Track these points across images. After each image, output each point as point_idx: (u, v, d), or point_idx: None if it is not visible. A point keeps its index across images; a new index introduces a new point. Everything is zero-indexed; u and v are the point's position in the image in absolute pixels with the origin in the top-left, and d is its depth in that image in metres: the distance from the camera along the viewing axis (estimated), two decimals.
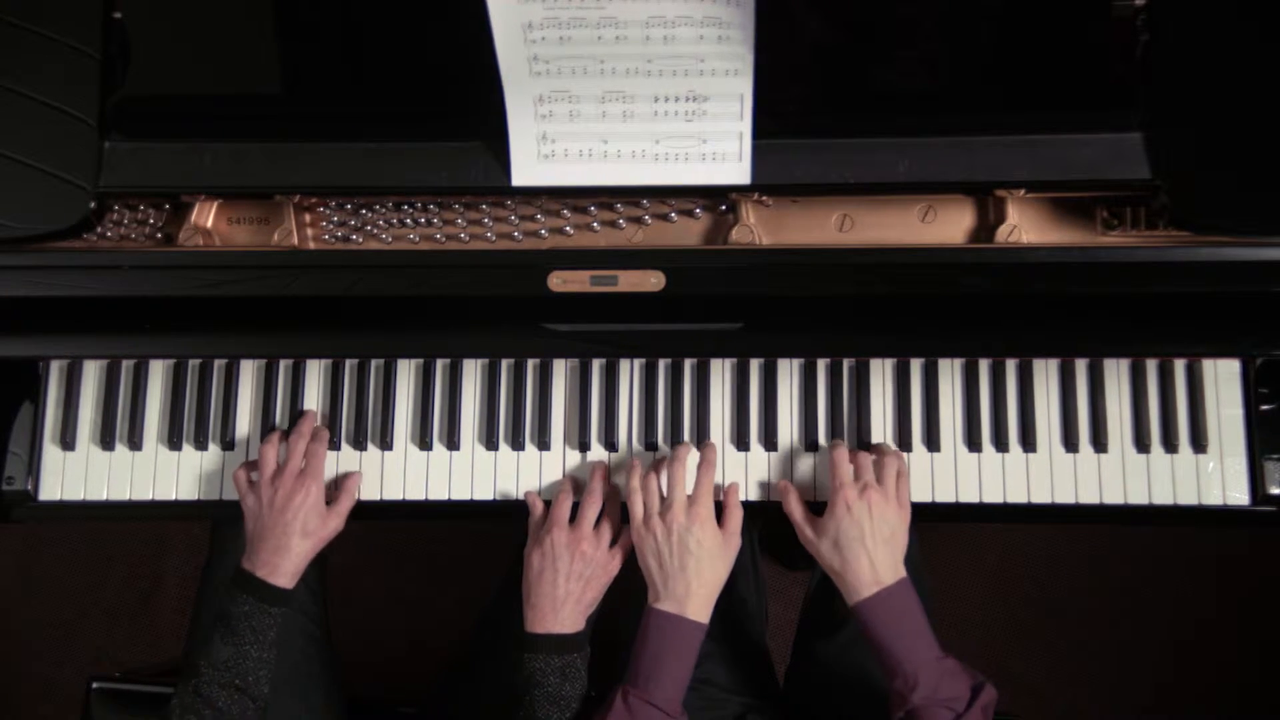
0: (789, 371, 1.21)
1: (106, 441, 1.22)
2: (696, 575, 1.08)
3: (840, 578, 1.08)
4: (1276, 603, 1.91)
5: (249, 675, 1.07)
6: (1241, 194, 1.04)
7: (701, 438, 1.19)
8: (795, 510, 1.13)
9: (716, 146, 1.05)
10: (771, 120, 1.03)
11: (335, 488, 1.19)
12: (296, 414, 1.21)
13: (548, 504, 1.16)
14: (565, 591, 1.09)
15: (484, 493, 1.20)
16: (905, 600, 1.06)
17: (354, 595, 1.89)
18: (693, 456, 1.16)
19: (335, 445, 1.20)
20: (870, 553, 1.06)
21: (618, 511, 1.16)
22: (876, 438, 1.19)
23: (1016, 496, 1.18)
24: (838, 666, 1.26)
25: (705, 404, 1.20)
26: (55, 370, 1.23)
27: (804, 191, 1.10)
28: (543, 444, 1.20)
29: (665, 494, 1.12)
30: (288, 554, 1.11)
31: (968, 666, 1.06)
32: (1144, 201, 1.07)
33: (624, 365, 1.21)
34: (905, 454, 1.18)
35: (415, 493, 1.20)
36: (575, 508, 1.15)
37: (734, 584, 1.27)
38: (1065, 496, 1.17)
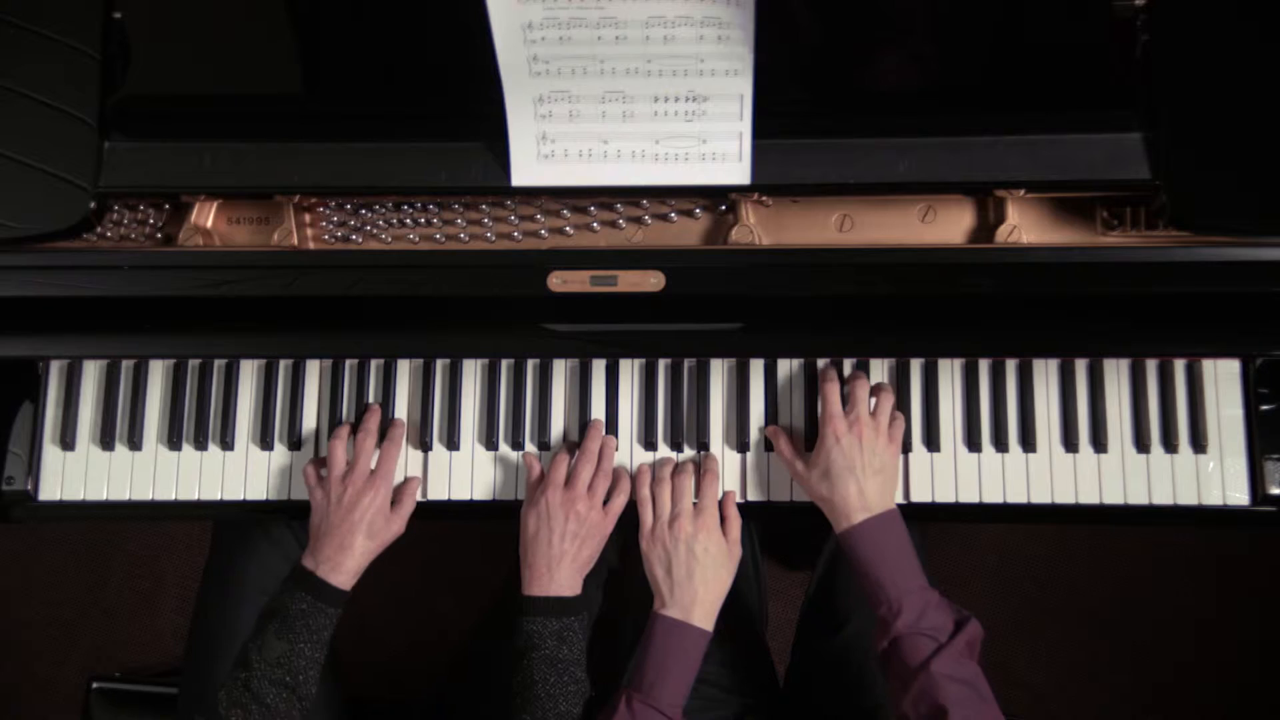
0: (789, 371, 1.21)
1: (106, 441, 1.22)
2: (703, 583, 1.09)
3: (829, 505, 1.09)
4: (1276, 603, 1.91)
5: (300, 674, 1.06)
6: (1241, 194, 1.04)
7: (701, 438, 1.19)
8: (785, 449, 1.14)
9: (716, 146, 1.04)
10: (771, 120, 1.03)
11: (397, 492, 1.18)
12: (362, 407, 1.20)
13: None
14: (560, 551, 1.10)
15: (484, 493, 1.20)
16: (892, 528, 1.07)
17: (354, 595, 1.88)
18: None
19: None
20: (860, 481, 1.08)
21: (610, 471, 1.16)
22: None
23: (1016, 496, 1.18)
24: (838, 666, 1.26)
25: (705, 404, 1.20)
26: (55, 370, 1.23)
27: (804, 191, 1.10)
28: (543, 444, 1.20)
29: (672, 504, 1.12)
30: (351, 553, 1.11)
31: (956, 604, 1.06)
32: (1144, 201, 1.07)
33: (624, 365, 1.21)
34: (905, 454, 1.18)
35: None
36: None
37: (734, 584, 1.27)
38: (1065, 496, 1.17)
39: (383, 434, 1.18)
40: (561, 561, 1.10)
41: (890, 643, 1.03)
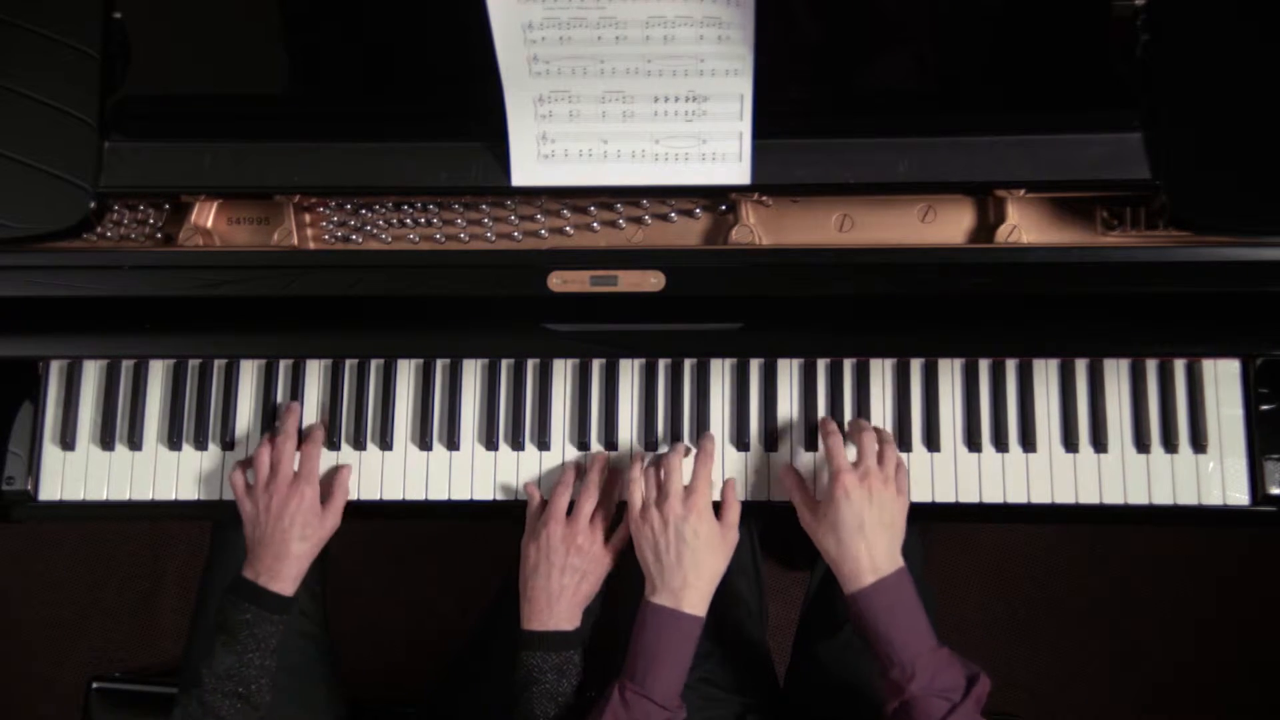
0: (789, 371, 1.21)
1: (106, 441, 1.22)
2: (694, 567, 1.07)
3: (837, 565, 1.08)
4: (1276, 603, 1.91)
5: (251, 684, 1.07)
6: (1241, 194, 1.04)
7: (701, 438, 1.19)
8: (795, 494, 1.13)
9: (716, 146, 1.04)
10: (771, 120, 1.03)
11: (327, 485, 1.17)
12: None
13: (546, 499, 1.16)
14: (560, 586, 1.10)
15: (484, 493, 1.20)
16: (902, 590, 1.06)
17: (354, 595, 1.89)
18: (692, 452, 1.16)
19: (335, 445, 1.20)
20: (869, 540, 1.05)
21: (613, 505, 1.16)
22: None
23: (1016, 496, 1.18)
24: (838, 666, 1.26)
25: (705, 404, 1.20)
26: (55, 370, 1.23)
27: (804, 191, 1.10)
28: (543, 444, 1.20)
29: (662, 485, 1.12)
30: (288, 559, 1.11)
31: (962, 657, 1.05)
32: (1144, 201, 1.07)
33: (624, 365, 1.21)
34: (905, 454, 1.18)
35: (415, 493, 1.20)
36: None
37: (734, 584, 1.26)
38: (1065, 496, 1.17)
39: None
40: (561, 596, 1.09)
41: (901, 704, 1.01)
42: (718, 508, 1.13)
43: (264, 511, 1.12)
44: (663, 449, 1.20)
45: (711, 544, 1.09)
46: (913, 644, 1.02)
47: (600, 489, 1.15)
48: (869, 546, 1.05)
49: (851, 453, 1.11)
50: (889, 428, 1.19)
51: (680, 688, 1.06)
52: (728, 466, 1.19)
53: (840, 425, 1.17)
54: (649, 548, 1.09)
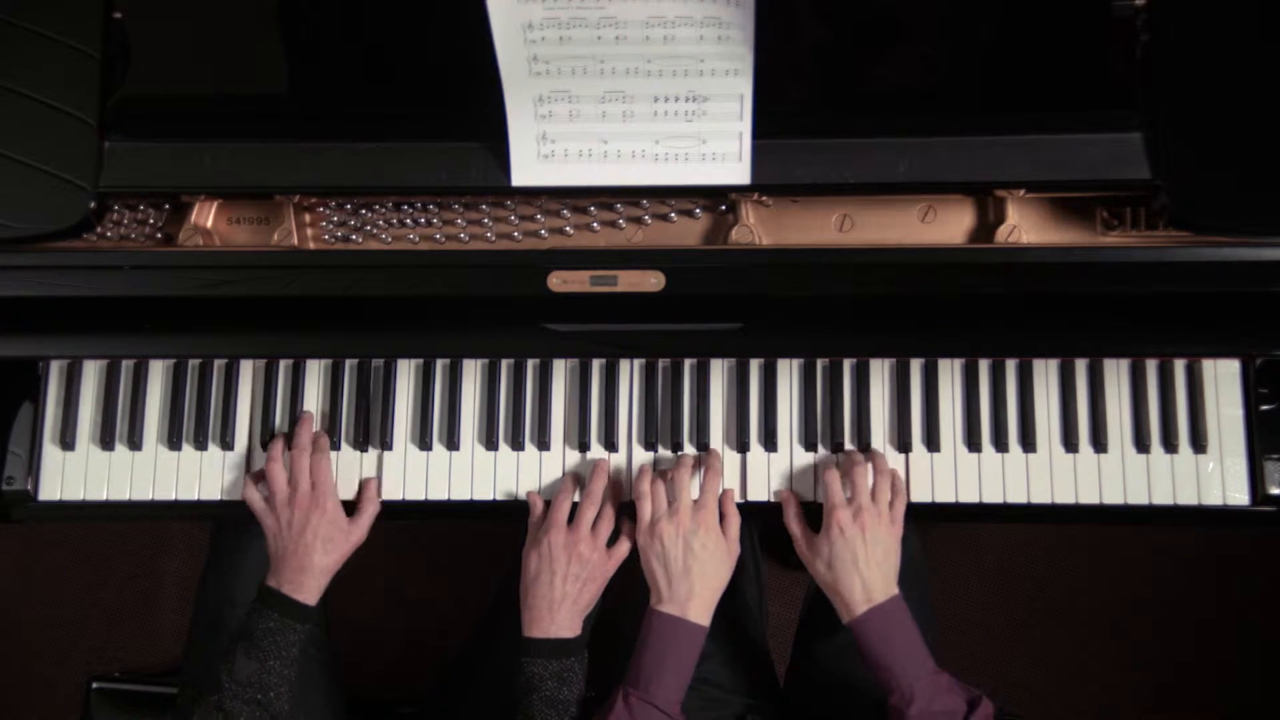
0: (789, 372, 1.21)
1: (106, 441, 1.22)
2: (700, 578, 1.09)
3: (833, 593, 1.10)
4: (1276, 603, 1.91)
5: (271, 691, 1.07)
6: (1241, 194, 1.04)
7: (701, 438, 1.19)
8: (794, 525, 1.15)
9: (716, 146, 1.04)
10: (771, 120, 1.03)
11: (355, 496, 1.18)
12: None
13: (548, 503, 1.16)
14: (562, 593, 1.10)
15: (484, 493, 1.20)
16: (898, 616, 1.07)
17: (354, 595, 1.88)
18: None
19: (335, 445, 1.20)
20: (863, 574, 1.07)
21: (614, 513, 1.16)
22: (876, 438, 1.19)
23: (1016, 496, 1.18)
24: (838, 666, 1.26)
25: (705, 404, 1.20)
26: (55, 370, 1.23)
27: (804, 191, 1.10)
28: (542, 444, 1.20)
29: (671, 499, 1.12)
30: (311, 572, 1.11)
31: (963, 682, 1.06)
32: (1144, 201, 1.07)
33: (624, 365, 1.21)
34: (905, 454, 1.18)
35: (415, 493, 1.20)
36: (574, 508, 1.15)
37: (734, 584, 1.26)
38: (1065, 496, 1.17)
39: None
40: (562, 604, 1.10)
41: None
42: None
43: (286, 527, 1.12)
44: (662, 450, 1.20)
45: (718, 557, 1.11)
46: (910, 668, 1.04)
47: (602, 497, 1.15)
48: (863, 579, 1.07)
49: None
50: (889, 428, 1.19)
51: (682, 695, 1.07)
52: (727, 467, 1.19)
53: (841, 429, 1.18)
54: (657, 559, 1.10)
